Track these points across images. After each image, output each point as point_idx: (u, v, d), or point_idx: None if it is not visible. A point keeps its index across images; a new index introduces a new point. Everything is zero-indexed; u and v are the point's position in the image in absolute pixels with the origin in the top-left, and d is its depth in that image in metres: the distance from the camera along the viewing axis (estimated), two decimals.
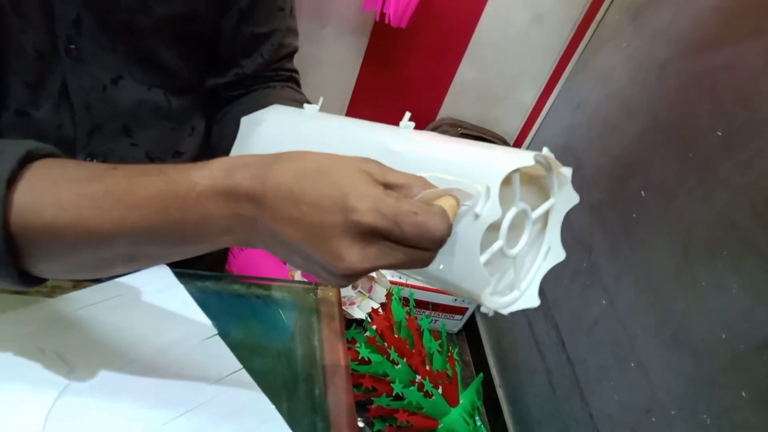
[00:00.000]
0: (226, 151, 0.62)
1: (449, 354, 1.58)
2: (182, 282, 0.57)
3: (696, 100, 1.13)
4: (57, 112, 0.53)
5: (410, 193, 0.34)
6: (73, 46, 0.51)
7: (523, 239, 0.43)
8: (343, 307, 1.66)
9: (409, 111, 1.69)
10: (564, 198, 0.47)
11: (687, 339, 1.02)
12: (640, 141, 1.28)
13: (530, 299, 0.46)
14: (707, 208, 1.04)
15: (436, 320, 1.85)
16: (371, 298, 1.74)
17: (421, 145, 0.43)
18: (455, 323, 1.90)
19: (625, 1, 1.47)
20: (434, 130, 1.64)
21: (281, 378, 0.53)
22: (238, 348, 0.53)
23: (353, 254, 0.31)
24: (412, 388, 1.43)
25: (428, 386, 1.43)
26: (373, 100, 1.65)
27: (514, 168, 0.38)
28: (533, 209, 0.44)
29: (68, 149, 0.55)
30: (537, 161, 0.42)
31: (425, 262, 0.35)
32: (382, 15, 1.37)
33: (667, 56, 1.24)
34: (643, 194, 1.22)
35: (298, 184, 0.32)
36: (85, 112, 0.54)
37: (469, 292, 0.41)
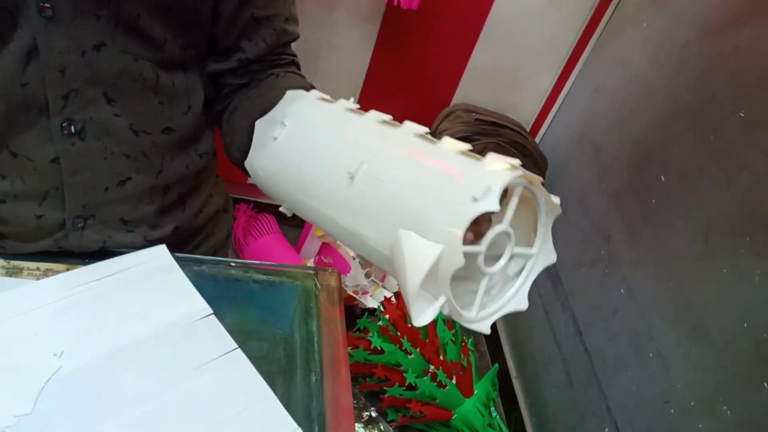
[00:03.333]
0: (239, 148, 0.61)
1: (463, 344, 1.56)
2: (180, 266, 0.56)
3: (717, 83, 1.08)
4: (22, 71, 0.51)
5: None
6: (48, 5, 0.49)
7: (503, 259, 0.42)
8: (356, 296, 1.65)
9: (423, 96, 1.68)
10: (550, 210, 0.45)
11: (707, 328, 0.98)
12: (660, 125, 1.24)
13: (482, 327, 0.44)
14: (729, 193, 1.00)
15: None
16: (384, 287, 1.73)
17: (391, 174, 0.42)
18: None
19: None
20: (448, 115, 1.61)
21: (277, 362, 0.52)
22: (234, 331, 0.52)
23: None
24: (426, 378, 1.42)
25: (442, 376, 1.41)
26: (385, 86, 1.62)
27: (465, 226, 0.36)
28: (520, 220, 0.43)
29: (39, 111, 0.54)
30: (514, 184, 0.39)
31: None
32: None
33: (688, 37, 1.20)
34: (663, 179, 1.18)
35: None
36: (59, 74, 0.52)
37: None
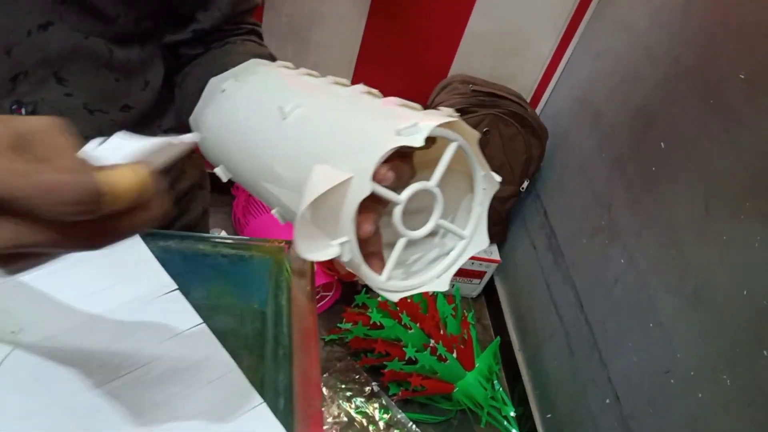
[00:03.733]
0: (188, 113, 0.58)
1: (464, 318, 1.55)
2: (144, 241, 0.54)
3: (720, 41, 1.04)
4: None
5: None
6: None
7: (428, 225, 0.37)
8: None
9: (420, 66, 1.63)
10: (488, 186, 0.39)
11: (708, 296, 0.95)
12: (662, 89, 1.19)
13: (440, 284, 0.40)
14: (730, 156, 0.96)
15: (451, 284, 1.81)
16: None
17: (313, 113, 0.39)
18: (473, 287, 1.86)
19: None
20: (445, 87, 1.58)
21: (244, 336, 0.50)
22: (200, 306, 0.51)
23: None
24: (426, 352, 1.41)
25: (442, 350, 1.40)
26: (380, 57, 1.59)
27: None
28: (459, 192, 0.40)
29: None
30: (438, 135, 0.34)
31: (82, 245, 0.28)
32: None
33: None
34: (662, 146, 1.14)
35: None
36: (5, 56, 0.50)
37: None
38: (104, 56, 0.55)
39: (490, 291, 1.88)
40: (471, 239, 0.41)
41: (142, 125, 0.62)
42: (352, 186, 0.32)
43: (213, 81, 0.52)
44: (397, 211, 0.34)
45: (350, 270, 0.38)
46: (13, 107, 0.53)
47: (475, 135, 0.36)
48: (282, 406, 0.47)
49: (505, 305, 1.79)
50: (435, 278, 0.40)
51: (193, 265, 0.56)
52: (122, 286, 0.51)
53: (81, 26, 0.53)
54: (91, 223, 0.27)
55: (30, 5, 0.50)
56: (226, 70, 0.53)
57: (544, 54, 1.61)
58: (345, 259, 0.35)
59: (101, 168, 0.27)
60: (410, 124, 0.32)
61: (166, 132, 0.65)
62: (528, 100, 1.69)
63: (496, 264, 1.77)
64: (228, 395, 0.46)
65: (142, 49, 0.59)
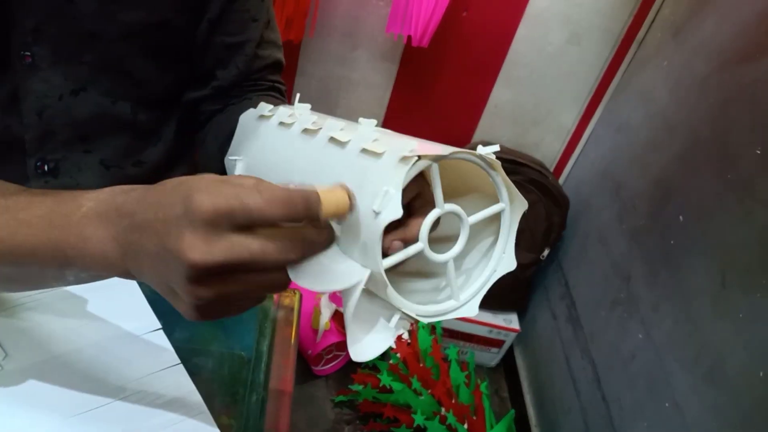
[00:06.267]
0: (212, 170, 0.61)
1: (477, 387, 1.50)
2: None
3: (736, 115, 1.04)
4: (4, 114, 0.53)
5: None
6: (28, 53, 0.51)
7: (457, 246, 0.39)
8: None
9: (443, 133, 1.67)
10: (516, 204, 0.42)
11: (724, 374, 0.91)
12: (680, 161, 1.19)
13: (469, 310, 0.42)
14: (746, 230, 0.94)
15: (465, 351, 1.76)
16: None
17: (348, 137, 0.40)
18: (492, 356, 1.81)
19: (666, 18, 1.39)
20: None
21: (221, 380, 0.51)
22: (181, 348, 0.52)
23: (197, 245, 0.29)
24: (435, 420, 1.36)
25: (452, 420, 1.36)
26: (406, 123, 1.64)
27: (412, 163, 0.35)
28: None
29: (18, 151, 0.55)
30: (470, 160, 0.38)
31: (296, 251, 0.32)
32: (409, 38, 1.36)
33: (708, 70, 1.16)
34: (681, 219, 1.13)
35: (165, 196, 0.32)
36: (36, 118, 0.54)
37: (383, 297, 0.38)
38: (128, 120, 0.59)
39: (509, 361, 1.83)
40: (498, 264, 0.42)
41: (152, 179, 0.65)
42: (372, 279, 0.36)
43: (226, 161, 0.53)
44: (427, 253, 0.38)
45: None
46: (38, 164, 0.57)
47: (496, 163, 0.39)
48: None
49: (524, 377, 1.73)
50: (464, 304, 0.42)
51: None
52: (109, 321, 0.52)
53: (112, 90, 0.57)
54: (295, 232, 0.32)
55: (67, 73, 0.54)
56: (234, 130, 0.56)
57: (567, 125, 1.63)
58: (403, 329, 0.38)
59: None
60: (382, 195, 0.34)
61: None
62: (551, 170, 1.69)
63: (516, 333, 1.73)
64: None
65: (164, 110, 0.63)
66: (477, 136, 1.66)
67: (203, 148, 0.65)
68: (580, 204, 1.59)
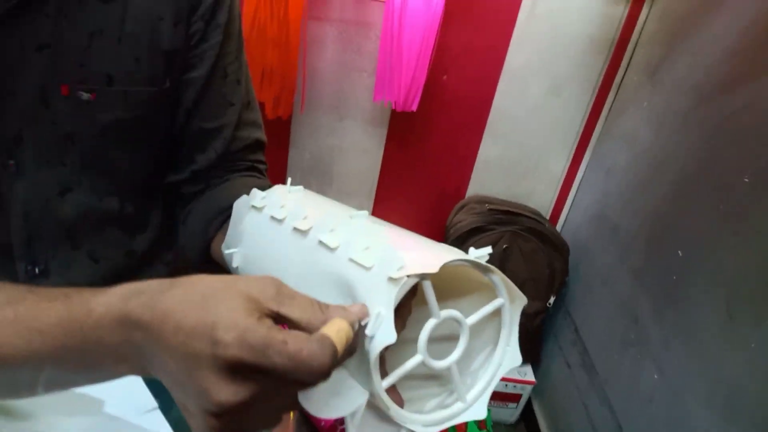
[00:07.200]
0: (192, 249, 0.61)
1: None
2: None
3: (720, 146, 1.06)
4: None
5: (303, 322, 0.33)
6: (12, 161, 0.52)
7: (457, 351, 0.39)
8: None
9: (436, 189, 1.69)
10: (515, 299, 0.42)
11: (741, 408, 0.89)
12: (672, 197, 1.20)
13: (477, 412, 0.41)
14: (745, 259, 0.94)
15: None
16: None
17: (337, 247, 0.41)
18: (510, 412, 1.76)
19: (640, 61, 1.45)
20: (462, 207, 1.63)
21: None
22: (179, 426, 0.52)
23: (221, 389, 0.29)
24: None
25: None
26: (399, 182, 1.67)
27: (401, 284, 0.35)
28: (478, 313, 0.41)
29: (7, 257, 0.55)
30: (465, 263, 0.38)
31: (310, 382, 0.32)
32: (395, 103, 1.42)
33: (688, 106, 1.19)
34: (680, 254, 1.13)
35: (181, 312, 0.31)
36: (22, 222, 0.54)
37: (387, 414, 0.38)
38: (115, 214, 0.59)
39: (528, 415, 1.78)
40: (503, 359, 0.42)
41: (144, 266, 0.65)
42: (371, 402, 0.36)
43: (225, 253, 0.53)
44: (427, 362, 0.38)
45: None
46: (28, 267, 0.56)
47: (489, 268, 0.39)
48: None
49: (545, 430, 1.68)
50: (469, 406, 0.41)
51: None
52: (105, 400, 0.52)
53: (97, 188, 0.57)
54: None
55: (50, 176, 0.54)
56: (220, 210, 0.57)
57: (557, 173, 1.66)
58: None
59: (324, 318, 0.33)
60: (374, 318, 0.34)
61: (167, 265, 0.69)
62: (547, 217, 1.71)
63: (532, 385, 1.69)
64: None
65: (150, 198, 0.63)
66: (470, 190, 1.69)
67: (183, 227, 0.65)
68: (579, 249, 1.60)
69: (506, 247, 1.55)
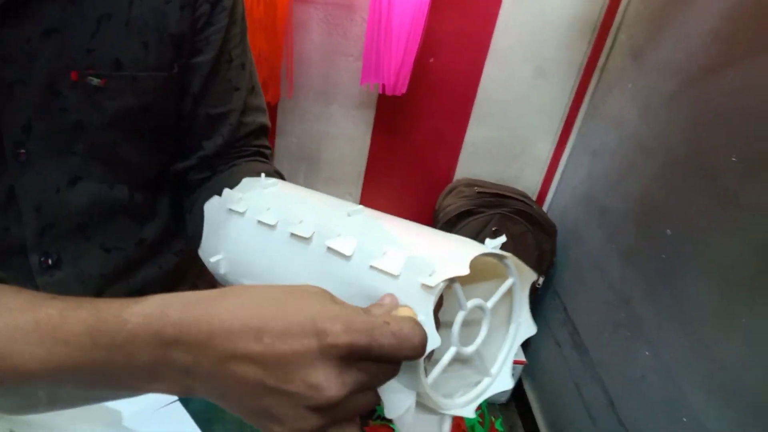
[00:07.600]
0: (200, 237, 0.61)
1: (491, 425, 1.47)
2: None
3: (707, 127, 1.08)
4: (3, 216, 0.53)
5: (370, 311, 0.33)
6: (22, 151, 0.51)
7: (482, 334, 0.41)
8: None
9: (425, 174, 1.69)
10: (525, 275, 0.43)
11: (737, 387, 0.91)
12: (659, 179, 1.22)
13: (504, 382, 0.43)
14: (735, 238, 0.96)
15: None
16: None
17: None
18: (501, 393, 1.79)
19: (624, 43, 1.46)
20: (451, 191, 1.63)
21: None
22: (200, 418, 0.51)
23: (332, 381, 0.29)
24: None
25: None
26: (387, 168, 1.66)
27: (441, 288, 0.35)
28: (489, 294, 0.42)
29: (19, 250, 0.55)
30: (484, 256, 0.39)
31: (392, 374, 0.33)
32: (383, 86, 1.40)
33: (673, 88, 1.21)
34: (669, 233, 1.15)
35: (257, 317, 0.30)
36: (35, 213, 0.54)
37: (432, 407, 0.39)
38: (125, 202, 0.59)
39: (520, 396, 1.80)
40: (518, 331, 0.45)
41: (154, 255, 0.65)
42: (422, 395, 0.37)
43: (206, 260, 0.52)
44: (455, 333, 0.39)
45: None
46: (42, 259, 0.56)
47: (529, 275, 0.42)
48: None
49: (537, 409, 1.71)
50: (494, 379, 0.43)
51: None
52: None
53: (107, 176, 0.57)
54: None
55: (59, 165, 0.54)
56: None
57: (543, 155, 1.67)
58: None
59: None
60: None
61: (176, 254, 0.68)
62: (534, 199, 1.72)
63: (522, 365, 1.71)
64: None
65: (159, 187, 0.63)
66: (458, 173, 1.69)
67: (190, 216, 0.65)
68: (567, 230, 1.62)
69: (495, 229, 1.55)
